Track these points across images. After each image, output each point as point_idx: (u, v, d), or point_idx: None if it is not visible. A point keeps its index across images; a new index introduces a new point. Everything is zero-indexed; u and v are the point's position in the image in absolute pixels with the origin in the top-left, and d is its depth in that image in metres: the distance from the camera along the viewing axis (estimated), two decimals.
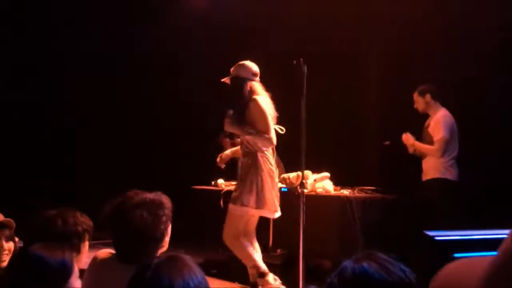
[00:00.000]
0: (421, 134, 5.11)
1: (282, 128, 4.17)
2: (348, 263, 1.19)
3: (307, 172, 4.72)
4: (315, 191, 4.77)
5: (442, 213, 4.70)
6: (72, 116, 7.36)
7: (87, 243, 2.26)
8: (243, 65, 4.16)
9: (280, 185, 5.04)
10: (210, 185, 5.57)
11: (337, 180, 5.06)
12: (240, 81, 4.09)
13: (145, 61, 7.18)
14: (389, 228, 4.73)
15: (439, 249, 1.45)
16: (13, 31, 7.03)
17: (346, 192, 4.82)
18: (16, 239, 2.81)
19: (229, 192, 5.18)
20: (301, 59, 3.84)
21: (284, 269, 4.87)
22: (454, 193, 4.87)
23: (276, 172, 4.20)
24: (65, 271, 1.73)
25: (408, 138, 5.07)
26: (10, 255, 2.69)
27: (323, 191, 4.79)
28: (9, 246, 2.73)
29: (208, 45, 6.87)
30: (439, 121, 4.94)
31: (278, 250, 5.49)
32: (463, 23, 5.33)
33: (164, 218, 2.02)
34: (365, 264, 1.16)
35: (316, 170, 4.98)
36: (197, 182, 5.61)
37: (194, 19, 6.86)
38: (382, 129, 5.80)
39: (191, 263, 1.37)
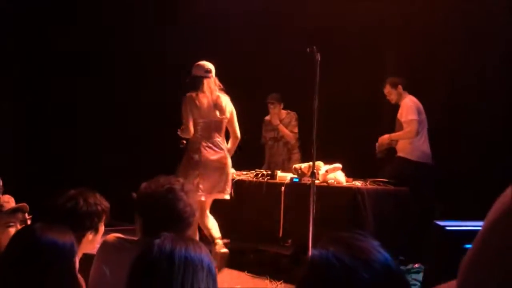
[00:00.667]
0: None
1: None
2: (315, 251, 1.09)
3: (319, 163, 4.68)
4: (326, 182, 4.72)
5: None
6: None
7: (103, 224, 2.30)
8: (197, 64, 4.68)
9: (291, 175, 5.03)
10: None
11: (349, 172, 5.02)
12: (192, 79, 4.65)
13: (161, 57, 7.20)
14: (401, 220, 4.68)
15: (450, 240, 1.40)
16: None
17: (358, 183, 4.76)
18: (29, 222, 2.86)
19: (240, 182, 5.18)
20: (314, 47, 3.79)
21: (294, 259, 4.85)
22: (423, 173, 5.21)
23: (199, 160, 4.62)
24: (66, 251, 1.71)
25: (383, 138, 5.37)
26: None
27: (335, 182, 4.74)
28: None
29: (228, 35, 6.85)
30: (406, 105, 5.25)
31: (289, 241, 5.49)
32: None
33: (192, 206, 2.08)
34: (331, 249, 1.06)
35: (328, 161, 4.93)
36: None
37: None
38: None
39: (199, 243, 1.45)
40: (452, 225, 1.34)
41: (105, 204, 2.33)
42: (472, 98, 5.43)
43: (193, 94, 4.60)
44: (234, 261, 4.80)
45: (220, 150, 4.69)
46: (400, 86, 5.35)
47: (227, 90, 4.77)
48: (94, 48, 7.43)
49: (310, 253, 3.59)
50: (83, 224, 2.22)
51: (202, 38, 6.82)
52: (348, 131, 6.06)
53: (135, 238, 2.12)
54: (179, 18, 7.14)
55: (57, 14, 7.44)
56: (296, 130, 6.11)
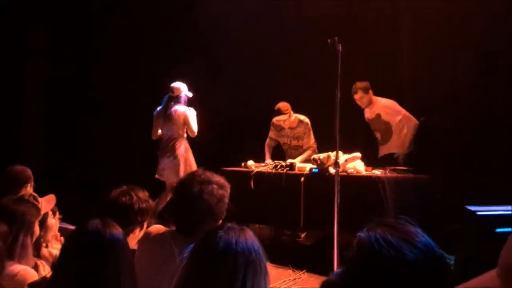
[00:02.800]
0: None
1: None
2: (362, 234, 1.18)
3: (339, 152, 4.67)
4: (346, 171, 4.71)
5: None
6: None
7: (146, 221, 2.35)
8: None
9: (310, 165, 5.04)
10: (240, 166, 5.59)
11: (368, 161, 5.01)
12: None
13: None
14: (423, 207, 4.67)
15: (482, 224, 1.40)
16: None
17: (377, 172, 4.75)
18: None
19: (259, 174, 5.20)
20: (336, 38, 3.78)
21: (316, 249, 4.86)
22: None
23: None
24: (122, 246, 1.76)
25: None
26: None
27: (354, 172, 4.73)
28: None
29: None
30: (390, 106, 5.53)
31: (303, 234, 5.53)
32: None
33: (226, 199, 2.15)
34: (379, 230, 1.15)
35: (347, 150, 4.93)
36: (227, 163, 5.61)
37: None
38: (417, 109, 5.71)
39: (256, 238, 1.53)
40: (483, 210, 1.34)
41: (151, 201, 2.37)
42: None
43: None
44: None
45: None
46: (370, 91, 5.57)
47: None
48: None
49: (335, 240, 3.62)
50: (135, 219, 2.25)
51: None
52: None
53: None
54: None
55: None
56: (312, 141, 5.97)
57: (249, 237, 1.47)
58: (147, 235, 2.17)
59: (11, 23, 7.02)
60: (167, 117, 5.96)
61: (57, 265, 1.78)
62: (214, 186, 2.12)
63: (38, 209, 2.72)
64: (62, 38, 7.47)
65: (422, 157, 5.21)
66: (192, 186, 2.09)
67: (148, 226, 2.34)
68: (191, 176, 2.17)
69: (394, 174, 4.77)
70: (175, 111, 5.94)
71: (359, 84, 5.57)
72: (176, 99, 5.98)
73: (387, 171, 4.79)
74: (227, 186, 2.21)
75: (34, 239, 2.56)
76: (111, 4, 7.41)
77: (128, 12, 7.34)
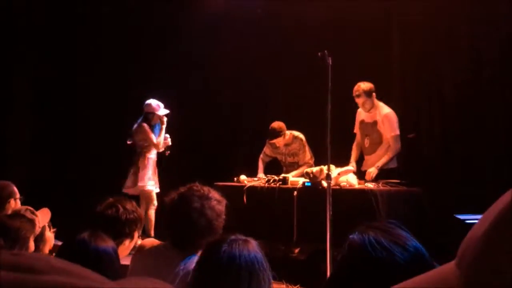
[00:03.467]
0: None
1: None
2: (354, 235, 1.20)
3: (331, 166, 4.68)
4: (339, 185, 4.72)
5: None
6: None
7: (137, 231, 2.35)
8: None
9: (303, 179, 5.04)
10: (233, 181, 5.57)
11: (361, 175, 5.02)
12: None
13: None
14: (415, 219, 4.67)
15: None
16: None
17: (370, 185, 4.76)
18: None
19: (252, 188, 5.19)
20: (325, 51, 3.81)
21: (310, 263, 4.84)
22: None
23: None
24: (110, 258, 1.75)
25: (369, 173, 5.12)
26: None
27: (347, 185, 4.74)
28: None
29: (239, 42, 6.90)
30: (392, 119, 5.19)
31: (297, 250, 5.49)
32: None
33: (223, 214, 2.18)
34: (371, 233, 1.16)
35: (340, 164, 4.94)
36: (220, 178, 5.60)
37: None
38: (406, 123, 5.73)
39: (259, 249, 1.56)
40: (472, 218, 1.35)
41: (139, 212, 2.39)
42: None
43: None
44: None
45: None
46: (374, 94, 5.20)
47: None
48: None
49: (328, 253, 3.61)
50: (123, 231, 2.25)
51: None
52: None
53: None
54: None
55: None
56: (308, 157, 5.88)
57: (252, 249, 1.49)
58: (140, 249, 2.17)
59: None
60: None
61: None
62: (214, 201, 2.15)
63: (33, 224, 2.71)
64: (52, 40, 7.46)
65: (413, 171, 5.23)
66: (193, 201, 2.10)
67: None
68: (189, 190, 2.17)
69: (387, 187, 4.79)
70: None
71: (363, 86, 5.14)
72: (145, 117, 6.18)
73: (379, 184, 4.81)
74: (224, 201, 2.24)
75: None
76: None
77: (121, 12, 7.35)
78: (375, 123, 5.27)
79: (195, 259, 1.75)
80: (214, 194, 2.21)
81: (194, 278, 1.47)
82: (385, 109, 5.23)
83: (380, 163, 5.11)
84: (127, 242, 2.29)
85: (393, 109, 5.29)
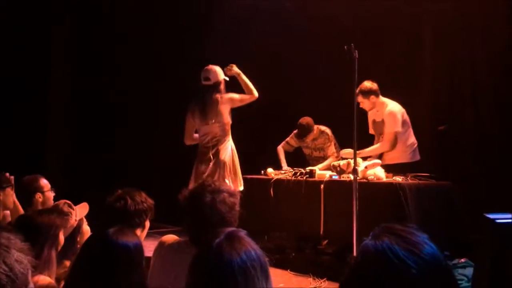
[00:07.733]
0: None
1: None
2: (368, 241, 1.16)
3: (358, 159, 4.65)
4: (366, 178, 4.68)
5: None
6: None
7: (149, 220, 2.40)
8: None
9: (330, 172, 5.02)
10: (260, 174, 5.59)
11: (388, 168, 4.96)
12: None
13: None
14: (445, 214, 4.61)
15: (502, 232, 1.38)
16: None
17: (398, 179, 4.70)
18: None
19: (278, 181, 5.20)
20: (352, 44, 3.79)
21: (337, 257, 4.83)
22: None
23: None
24: (134, 253, 1.78)
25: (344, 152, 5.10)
26: None
27: (375, 178, 4.70)
28: None
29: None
30: (396, 115, 5.11)
31: (324, 242, 5.48)
32: None
33: (237, 206, 2.18)
34: (386, 240, 1.12)
35: (367, 157, 4.90)
36: (247, 171, 5.62)
37: None
38: (437, 115, 5.65)
39: (248, 240, 1.44)
40: (502, 218, 1.33)
41: (150, 201, 2.44)
42: None
43: None
44: (276, 259, 4.83)
45: None
46: (373, 96, 5.15)
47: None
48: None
49: (355, 247, 3.59)
50: (132, 222, 2.32)
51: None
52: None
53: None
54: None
55: None
56: (333, 151, 5.90)
57: (244, 246, 1.40)
58: (161, 244, 2.21)
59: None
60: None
61: (68, 274, 1.81)
62: (225, 194, 2.16)
63: (65, 219, 2.79)
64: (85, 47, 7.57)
65: (444, 164, 5.15)
66: (204, 197, 2.13)
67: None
68: (201, 186, 2.20)
69: (416, 181, 4.71)
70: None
71: (362, 86, 5.11)
72: (214, 88, 4.92)
73: (408, 178, 4.74)
74: (237, 193, 2.26)
75: (59, 249, 2.60)
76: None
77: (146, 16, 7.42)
78: (382, 121, 5.27)
79: None
80: (227, 187, 2.23)
81: (188, 280, 1.43)
82: (389, 106, 5.19)
83: (363, 151, 5.04)
84: (138, 231, 2.34)
85: (422, 100, 5.25)
